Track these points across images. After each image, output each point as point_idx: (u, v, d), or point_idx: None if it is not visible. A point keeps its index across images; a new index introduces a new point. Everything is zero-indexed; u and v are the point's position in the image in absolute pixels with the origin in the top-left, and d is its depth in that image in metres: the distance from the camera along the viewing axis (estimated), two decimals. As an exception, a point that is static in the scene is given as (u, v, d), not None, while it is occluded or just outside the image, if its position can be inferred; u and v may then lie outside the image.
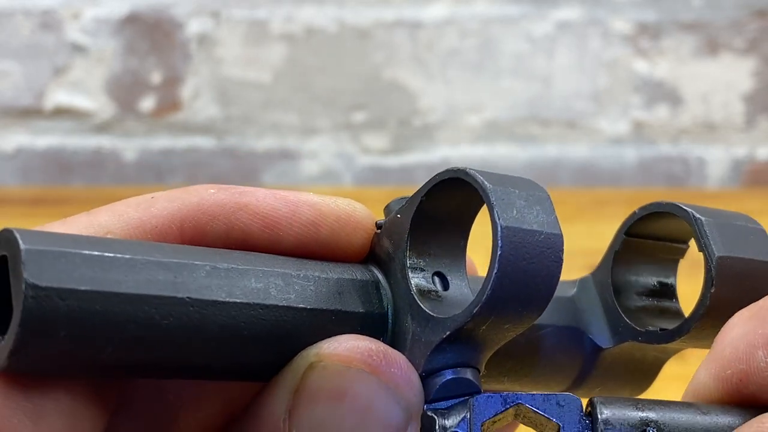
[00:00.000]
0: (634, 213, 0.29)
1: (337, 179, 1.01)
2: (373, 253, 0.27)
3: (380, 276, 0.26)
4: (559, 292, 0.29)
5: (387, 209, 0.27)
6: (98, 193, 0.99)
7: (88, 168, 1.01)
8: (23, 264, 0.21)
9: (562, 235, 0.24)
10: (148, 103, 1.00)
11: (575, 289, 0.30)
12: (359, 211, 0.27)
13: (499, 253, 0.23)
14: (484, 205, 0.24)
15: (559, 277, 0.24)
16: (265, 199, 0.26)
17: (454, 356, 0.24)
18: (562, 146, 1.01)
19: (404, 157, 1.01)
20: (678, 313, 0.30)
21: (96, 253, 0.22)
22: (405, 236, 0.26)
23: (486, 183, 0.24)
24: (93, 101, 0.99)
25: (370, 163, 1.01)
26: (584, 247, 0.83)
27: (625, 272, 0.30)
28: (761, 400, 0.24)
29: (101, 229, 0.25)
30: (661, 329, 0.28)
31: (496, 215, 0.23)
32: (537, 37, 0.99)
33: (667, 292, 0.30)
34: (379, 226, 0.27)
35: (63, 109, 1.00)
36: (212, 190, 0.26)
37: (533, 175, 1.00)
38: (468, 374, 0.24)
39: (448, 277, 0.26)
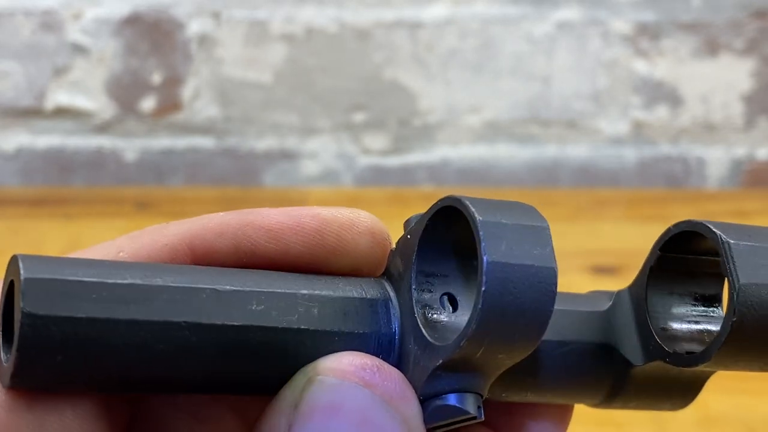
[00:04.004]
0: (669, 230, 0.28)
1: (337, 179, 1.01)
2: (388, 270, 0.27)
3: (392, 294, 0.26)
4: (592, 306, 0.29)
5: (406, 224, 0.27)
6: (99, 193, 0.99)
7: (88, 168, 1.01)
8: (22, 293, 0.22)
9: (554, 268, 0.24)
10: (148, 104, 1.00)
11: (610, 303, 0.29)
12: (363, 217, 0.27)
13: (483, 288, 0.23)
14: None
15: (551, 310, 0.24)
16: (269, 214, 0.27)
17: (451, 382, 0.24)
18: (561, 146, 1.01)
19: (404, 158, 1.01)
20: (709, 333, 0.29)
21: (95, 280, 0.23)
22: (413, 257, 0.26)
23: (476, 215, 0.23)
24: (93, 101, 1.00)
25: (370, 164, 1.01)
26: (584, 247, 0.83)
27: (661, 288, 0.29)
28: None
29: (114, 248, 0.26)
30: (688, 352, 0.27)
31: (482, 250, 0.23)
32: (537, 37, 0.99)
33: (705, 308, 0.29)
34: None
35: (63, 110, 1.00)
36: (220, 213, 0.27)
37: (533, 175, 1.01)
38: (468, 400, 0.24)
39: (458, 299, 0.26)
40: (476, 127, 1.01)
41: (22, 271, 0.22)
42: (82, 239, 0.84)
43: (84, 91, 0.99)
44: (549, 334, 0.26)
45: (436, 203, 0.25)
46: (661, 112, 1.00)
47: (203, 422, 0.28)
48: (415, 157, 1.01)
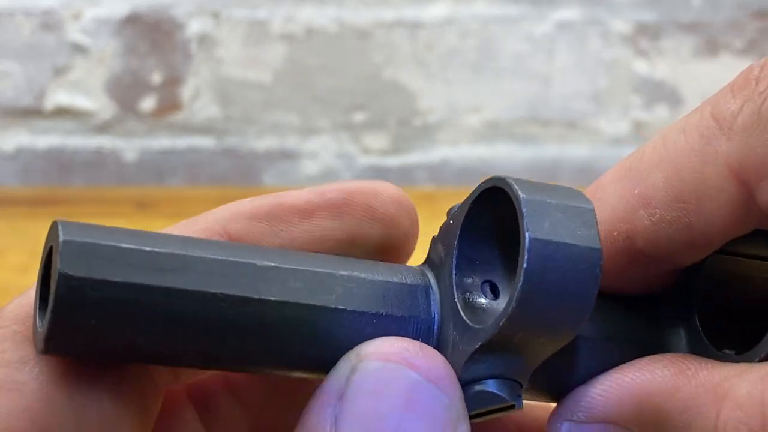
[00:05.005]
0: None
1: (337, 179, 1.01)
2: (429, 258, 0.27)
3: (432, 281, 0.26)
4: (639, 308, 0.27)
5: (449, 211, 0.26)
6: (98, 193, 0.99)
7: (88, 168, 1.01)
8: (60, 254, 0.22)
9: (601, 249, 0.23)
10: (148, 103, 1.00)
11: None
12: (387, 186, 0.28)
13: (524, 266, 0.22)
14: None
15: (596, 293, 0.23)
16: (297, 194, 0.27)
17: (490, 367, 0.24)
18: (562, 146, 1.01)
19: (404, 157, 1.01)
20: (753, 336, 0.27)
21: (133, 246, 0.23)
22: (454, 242, 0.25)
23: (519, 192, 0.23)
24: (93, 101, 1.00)
25: (370, 163, 1.01)
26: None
27: (711, 290, 0.27)
28: (647, 252, 0.25)
29: None
30: (737, 353, 0.26)
31: (525, 226, 0.23)
32: (537, 37, 0.99)
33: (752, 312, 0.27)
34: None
35: (63, 110, 1.00)
36: (249, 198, 0.27)
37: (533, 175, 1.01)
38: (507, 387, 0.24)
39: (500, 287, 0.25)
40: (476, 127, 1.01)
41: (60, 235, 0.22)
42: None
43: (84, 91, 0.99)
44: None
45: (480, 185, 0.25)
46: (661, 112, 1.00)
47: (214, 422, 0.28)
48: (415, 157, 1.01)
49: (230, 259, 0.24)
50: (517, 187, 0.23)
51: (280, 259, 0.24)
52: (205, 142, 1.01)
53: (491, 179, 0.24)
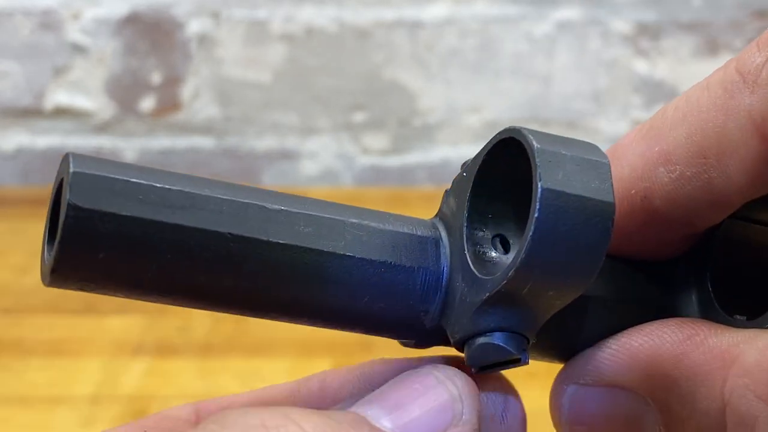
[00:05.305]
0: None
1: (337, 179, 1.01)
2: (441, 211, 0.26)
3: (443, 233, 0.26)
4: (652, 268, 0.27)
5: (463, 165, 0.26)
6: (98, 193, 0.99)
7: (88, 168, 1.01)
8: (69, 185, 0.22)
9: (614, 203, 0.23)
10: (148, 103, 1.00)
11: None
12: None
13: (536, 215, 0.22)
14: None
15: (606, 247, 0.23)
16: None
17: (497, 319, 0.24)
18: (562, 146, 1.01)
19: (404, 157, 1.01)
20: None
21: (143, 182, 0.22)
22: (466, 195, 0.25)
23: (534, 142, 0.23)
24: (93, 101, 0.99)
25: (370, 163, 1.01)
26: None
27: (725, 256, 0.27)
28: (664, 212, 0.25)
29: None
30: (748, 318, 0.26)
31: (538, 176, 0.22)
32: (537, 37, 0.99)
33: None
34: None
35: (63, 110, 1.00)
36: None
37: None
38: (514, 341, 0.24)
39: (511, 241, 0.25)
40: (476, 127, 1.01)
41: (71, 166, 0.22)
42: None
43: (83, 91, 0.99)
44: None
45: (495, 136, 0.24)
46: (661, 112, 1.00)
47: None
48: (414, 157, 1.01)
49: (241, 200, 0.23)
50: (532, 137, 0.23)
51: (290, 203, 0.24)
52: (204, 142, 1.01)
53: (506, 130, 0.24)
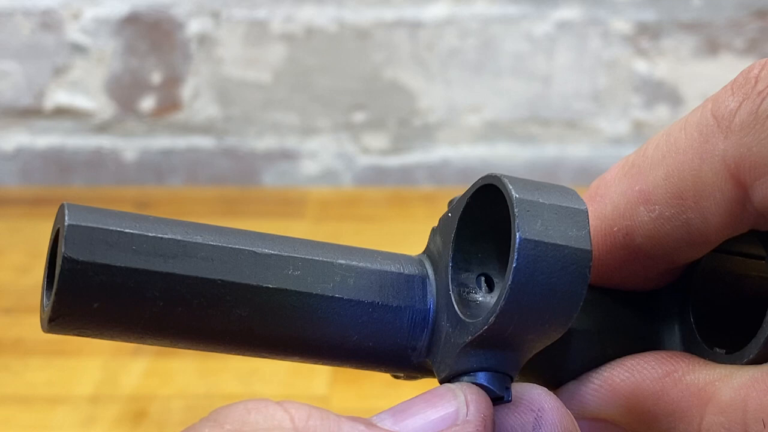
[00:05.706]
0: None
1: (337, 179, 1.01)
2: (428, 248, 0.27)
3: (430, 271, 0.26)
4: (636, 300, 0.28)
5: (450, 203, 0.27)
6: (98, 193, 0.99)
7: (88, 168, 1.01)
8: (65, 238, 0.22)
9: (590, 251, 0.24)
10: (148, 103, 1.00)
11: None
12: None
13: (514, 265, 0.23)
14: None
15: (584, 294, 0.23)
16: None
17: (480, 360, 0.24)
18: (562, 146, 1.01)
19: (404, 157, 1.01)
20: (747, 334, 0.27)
21: (137, 232, 0.23)
22: (451, 236, 0.26)
23: (513, 192, 0.23)
24: (93, 101, 0.99)
25: (370, 163, 1.01)
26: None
27: (707, 287, 0.28)
28: (646, 249, 0.26)
29: None
30: (728, 351, 0.26)
31: (516, 226, 0.23)
32: (537, 37, 0.99)
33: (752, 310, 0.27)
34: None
35: (63, 109, 1.00)
36: None
37: (533, 175, 1.01)
38: (496, 380, 0.24)
39: (495, 281, 0.26)
40: (476, 127, 1.01)
41: (66, 218, 0.23)
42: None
43: (83, 90, 0.99)
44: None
45: (477, 181, 0.25)
46: (661, 112, 1.00)
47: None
48: (415, 157, 1.01)
49: (231, 246, 0.24)
50: (510, 186, 0.24)
51: (280, 246, 0.25)
52: (204, 142, 1.01)
53: (487, 177, 0.25)
